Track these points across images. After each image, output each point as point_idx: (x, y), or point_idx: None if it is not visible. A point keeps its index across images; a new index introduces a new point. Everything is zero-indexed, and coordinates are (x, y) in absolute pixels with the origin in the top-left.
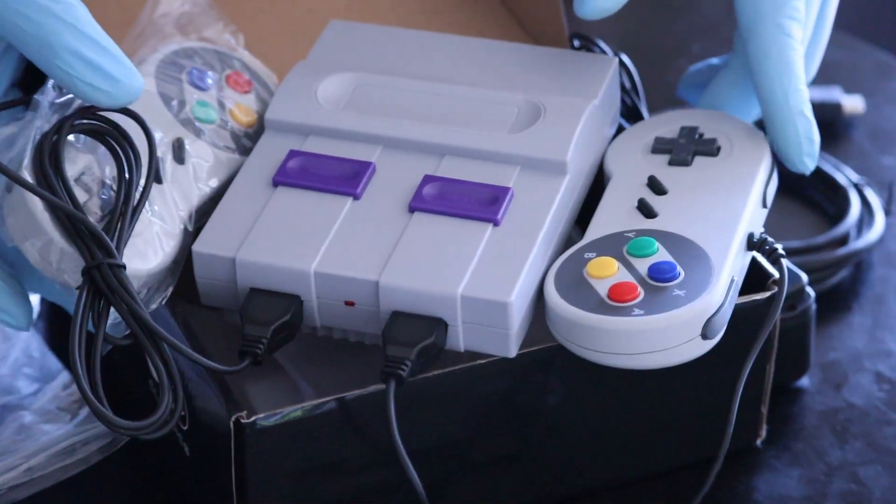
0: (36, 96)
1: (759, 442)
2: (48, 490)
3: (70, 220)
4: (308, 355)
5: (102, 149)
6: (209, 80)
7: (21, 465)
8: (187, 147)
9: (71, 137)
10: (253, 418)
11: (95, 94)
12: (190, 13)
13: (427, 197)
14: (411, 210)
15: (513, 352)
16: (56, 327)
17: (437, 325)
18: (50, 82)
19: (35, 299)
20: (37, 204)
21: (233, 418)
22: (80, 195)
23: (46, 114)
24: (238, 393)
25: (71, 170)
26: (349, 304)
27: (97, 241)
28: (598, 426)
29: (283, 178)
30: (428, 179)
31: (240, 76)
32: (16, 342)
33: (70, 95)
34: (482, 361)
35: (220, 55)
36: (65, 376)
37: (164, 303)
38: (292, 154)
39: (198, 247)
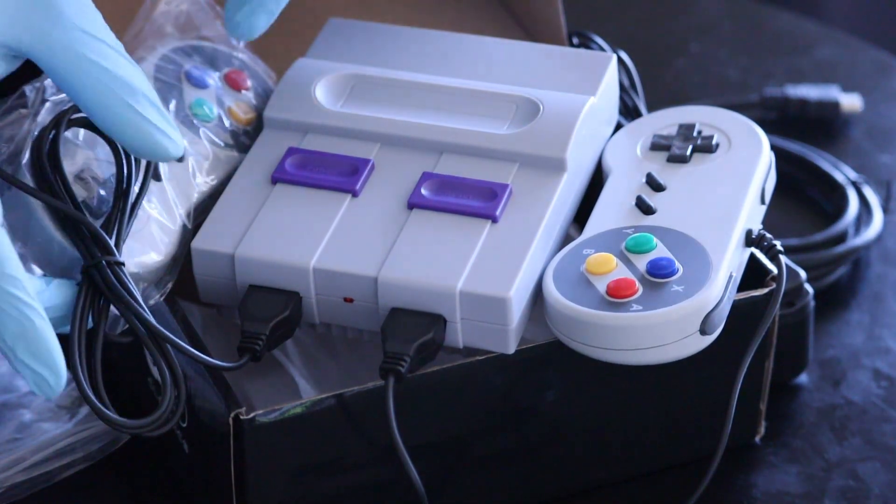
0: (26, 88)
1: (757, 439)
2: (48, 489)
3: (69, 220)
4: (306, 352)
5: (101, 144)
6: (208, 79)
7: (21, 464)
8: (186, 145)
9: (69, 134)
10: (252, 415)
11: (163, 141)
12: (188, 12)
13: (425, 194)
14: (410, 207)
15: (512, 348)
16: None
17: (436, 322)
18: (46, 79)
19: None
20: (36, 202)
21: (232, 415)
22: (80, 192)
23: (46, 108)
24: (237, 390)
25: (70, 166)
26: (348, 300)
27: (96, 240)
28: (596, 423)
29: (281, 176)
30: (426, 176)
31: (238, 74)
32: None
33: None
34: (479, 358)
35: (219, 53)
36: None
37: (161, 299)
38: (291, 151)
39: (197, 243)
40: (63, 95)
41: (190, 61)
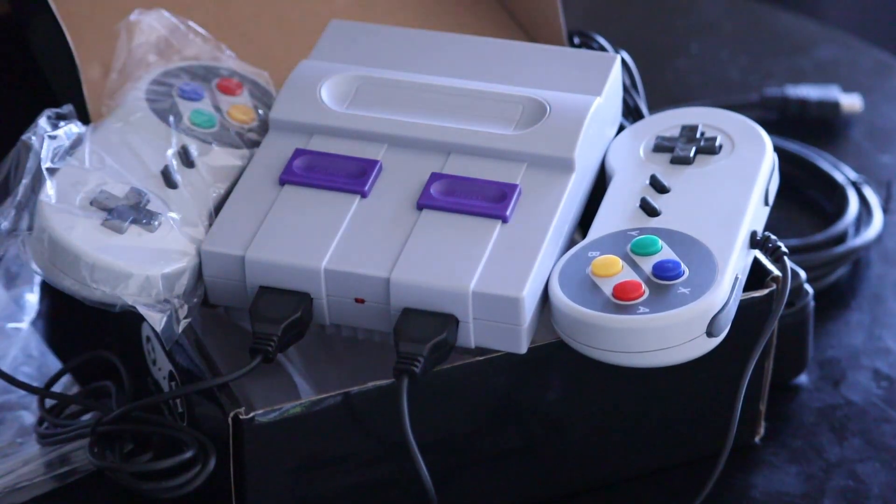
0: (24, 137)
1: (757, 439)
2: (49, 490)
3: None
4: (306, 353)
5: (109, 162)
6: (200, 91)
7: (22, 468)
8: (194, 151)
9: (74, 160)
10: (251, 414)
11: None
12: (166, 37)
13: (435, 194)
14: (419, 207)
15: (524, 347)
16: (56, 327)
17: (449, 322)
18: (42, 118)
19: (34, 298)
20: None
21: (231, 415)
22: (99, 215)
23: (43, 148)
24: (237, 390)
25: (83, 191)
26: (359, 301)
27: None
28: (599, 422)
29: (289, 177)
30: (435, 177)
31: (229, 81)
32: (15, 340)
33: (64, 127)
34: (483, 357)
35: (206, 68)
36: (67, 378)
37: (196, 307)
38: (298, 153)
39: (206, 245)
40: (59, 130)
41: (179, 81)
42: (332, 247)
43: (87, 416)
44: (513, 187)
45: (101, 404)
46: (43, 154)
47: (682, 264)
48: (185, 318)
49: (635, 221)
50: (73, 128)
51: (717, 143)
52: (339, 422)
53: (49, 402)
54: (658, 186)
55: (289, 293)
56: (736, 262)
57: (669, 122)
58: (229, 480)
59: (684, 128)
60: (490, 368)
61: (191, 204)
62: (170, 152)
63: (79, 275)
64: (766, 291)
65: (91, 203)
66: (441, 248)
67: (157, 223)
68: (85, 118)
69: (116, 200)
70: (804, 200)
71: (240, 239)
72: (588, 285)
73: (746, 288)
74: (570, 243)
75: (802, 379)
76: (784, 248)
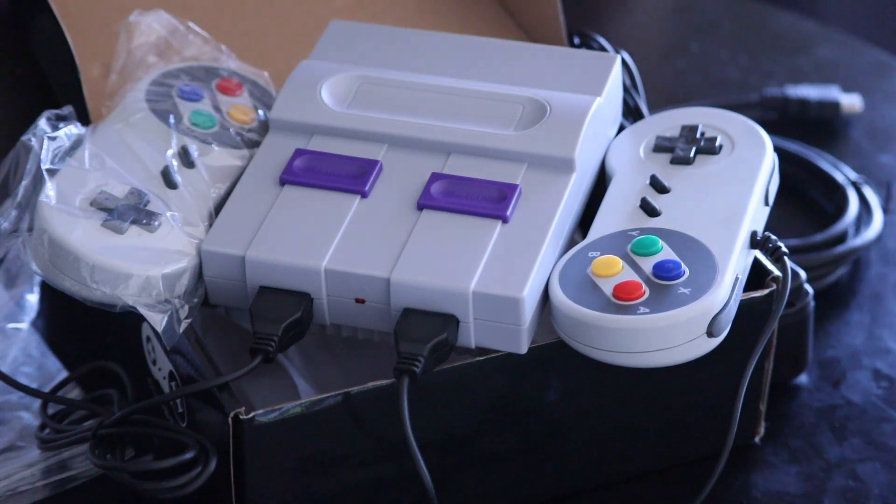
0: (23, 138)
1: (757, 439)
2: (48, 496)
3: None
4: (306, 353)
5: (109, 162)
6: (200, 92)
7: (24, 471)
8: (194, 152)
9: (74, 161)
10: (251, 414)
11: None
12: (165, 38)
13: (435, 194)
14: (420, 207)
15: (524, 348)
16: (56, 327)
17: (449, 322)
18: (42, 119)
19: (34, 298)
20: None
21: (231, 415)
22: (99, 215)
23: (43, 149)
24: (236, 390)
25: (82, 192)
26: (359, 301)
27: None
28: (599, 423)
29: (289, 177)
30: (435, 177)
31: (229, 81)
32: (15, 341)
33: (63, 129)
34: (483, 358)
35: (206, 69)
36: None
37: (196, 309)
38: (298, 153)
39: (206, 245)
40: (59, 132)
41: (178, 81)
42: (332, 247)
43: (88, 423)
44: (513, 187)
45: (105, 409)
46: (43, 155)
47: (683, 264)
48: (186, 318)
49: (635, 221)
50: (73, 129)
51: (717, 144)
52: (339, 422)
53: (51, 408)
54: (658, 186)
55: (289, 293)
56: (736, 263)
57: (669, 122)
58: (229, 480)
59: (684, 128)
60: (490, 368)
61: (191, 204)
62: (170, 153)
63: (79, 275)
64: (766, 291)
65: (91, 204)
66: (441, 249)
67: (157, 223)
68: (85, 119)
69: (116, 201)
70: (804, 200)
71: (240, 239)
72: (588, 285)
73: (746, 288)
74: (571, 243)
75: (802, 379)
76: (784, 248)
